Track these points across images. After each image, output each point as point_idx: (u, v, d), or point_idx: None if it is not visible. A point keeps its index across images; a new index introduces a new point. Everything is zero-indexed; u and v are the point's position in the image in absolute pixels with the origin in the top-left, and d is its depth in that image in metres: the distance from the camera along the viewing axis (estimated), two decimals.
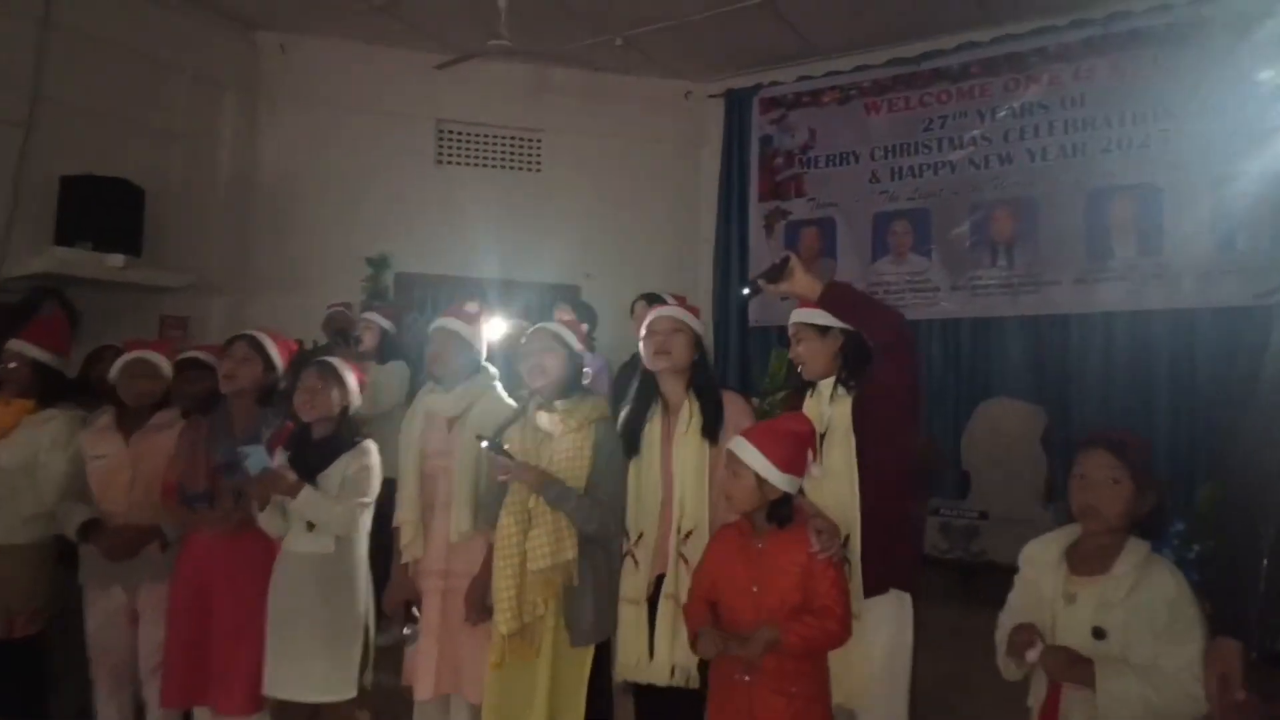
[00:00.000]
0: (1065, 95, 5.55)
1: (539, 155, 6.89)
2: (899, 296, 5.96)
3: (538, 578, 2.35)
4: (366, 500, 2.73)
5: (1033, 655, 1.86)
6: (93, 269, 4.79)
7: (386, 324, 4.64)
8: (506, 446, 2.42)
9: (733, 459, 2.10)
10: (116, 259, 4.85)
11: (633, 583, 2.43)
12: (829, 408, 2.33)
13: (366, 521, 2.78)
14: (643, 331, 2.54)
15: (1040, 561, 2.00)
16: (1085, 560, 1.93)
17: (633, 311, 4.56)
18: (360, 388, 2.88)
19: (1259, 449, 1.74)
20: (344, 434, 2.76)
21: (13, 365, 3.10)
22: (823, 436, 2.28)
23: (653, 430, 2.48)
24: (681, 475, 2.40)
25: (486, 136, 6.81)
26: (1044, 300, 5.55)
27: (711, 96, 6.97)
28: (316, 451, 2.72)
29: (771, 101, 6.67)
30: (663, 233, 6.95)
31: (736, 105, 6.82)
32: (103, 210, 4.84)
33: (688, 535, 2.37)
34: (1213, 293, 5.04)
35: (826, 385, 2.38)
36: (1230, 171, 4.96)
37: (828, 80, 6.42)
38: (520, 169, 6.86)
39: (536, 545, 2.35)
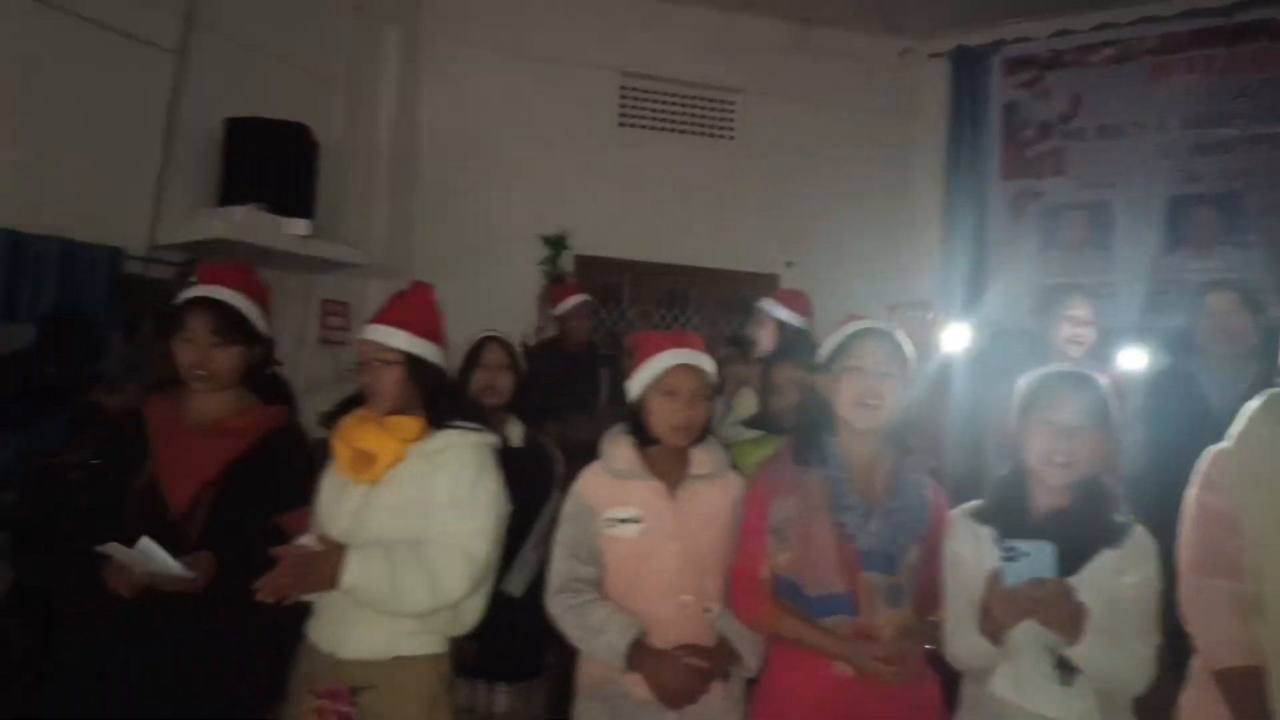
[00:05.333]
0: None
1: (731, 120, 5.81)
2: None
3: None
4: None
5: None
6: (269, 237, 3.71)
7: (790, 317, 3.26)
8: None
9: None
10: (298, 225, 3.78)
11: None
12: None
13: None
14: None
15: None
16: None
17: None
18: None
19: None
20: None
21: (389, 359, 1.82)
22: None
23: None
24: None
25: (674, 96, 5.72)
26: None
27: (933, 56, 5.90)
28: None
29: (1019, 62, 5.59)
30: (873, 216, 5.87)
31: (969, 66, 5.73)
32: (275, 163, 3.78)
33: None
34: None
35: None
36: None
37: (1098, 35, 5.33)
38: (709, 135, 5.79)
39: None
